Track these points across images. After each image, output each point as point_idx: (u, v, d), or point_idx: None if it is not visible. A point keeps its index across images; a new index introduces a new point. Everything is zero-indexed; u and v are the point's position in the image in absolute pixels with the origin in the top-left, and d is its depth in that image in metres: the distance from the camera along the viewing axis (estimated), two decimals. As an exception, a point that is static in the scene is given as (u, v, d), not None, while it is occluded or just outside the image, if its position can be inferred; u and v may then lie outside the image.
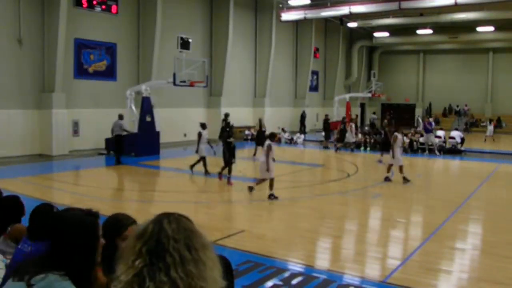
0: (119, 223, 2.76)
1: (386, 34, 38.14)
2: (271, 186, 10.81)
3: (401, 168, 13.36)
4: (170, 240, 1.39)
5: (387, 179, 13.49)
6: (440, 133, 22.33)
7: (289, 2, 26.76)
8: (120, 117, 16.92)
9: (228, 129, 16.24)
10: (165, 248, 1.38)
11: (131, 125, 19.16)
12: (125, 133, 16.80)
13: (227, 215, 9.95)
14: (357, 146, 22.34)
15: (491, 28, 33.28)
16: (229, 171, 12.80)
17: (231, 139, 13.62)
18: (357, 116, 32.24)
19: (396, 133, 13.80)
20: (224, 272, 2.87)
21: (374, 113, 40.31)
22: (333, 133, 24.68)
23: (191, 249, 1.40)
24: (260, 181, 11.26)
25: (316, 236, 8.30)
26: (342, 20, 31.64)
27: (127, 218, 2.82)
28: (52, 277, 1.88)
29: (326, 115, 25.85)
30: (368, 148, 22.48)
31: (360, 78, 42.07)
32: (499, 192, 12.66)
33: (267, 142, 11.05)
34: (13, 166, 15.34)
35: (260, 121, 20.47)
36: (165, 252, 1.37)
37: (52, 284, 1.86)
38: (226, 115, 19.53)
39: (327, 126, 24.41)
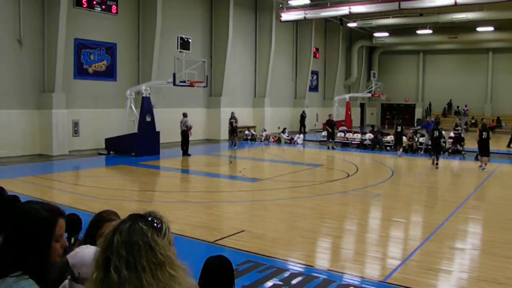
0: (98, 220, 2.63)
1: (386, 34, 38.12)
2: None
3: None
4: (114, 255, 1.27)
5: None
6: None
7: (289, 2, 26.77)
8: (185, 115, 19.23)
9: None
10: (110, 263, 1.27)
11: (130, 125, 19.21)
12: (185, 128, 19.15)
13: (227, 215, 9.94)
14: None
15: (491, 28, 33.28)
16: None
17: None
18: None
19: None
20: (222, 273, 2.83)
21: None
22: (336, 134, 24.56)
23: (133, 268, 1.25)
24: None
25: (316, 236, 8.30)
26: (342, 20, 31.68)
27: (107, 215, 2.65)
28: (9, 280, 1.66)
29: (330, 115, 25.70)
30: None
31: (360, 78, 42.05)
32: (499, 192, 12.67)
33: None
34: (13, 166, 15.35)
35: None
36: (109, 268, 1.26)
37: None
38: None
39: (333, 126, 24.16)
